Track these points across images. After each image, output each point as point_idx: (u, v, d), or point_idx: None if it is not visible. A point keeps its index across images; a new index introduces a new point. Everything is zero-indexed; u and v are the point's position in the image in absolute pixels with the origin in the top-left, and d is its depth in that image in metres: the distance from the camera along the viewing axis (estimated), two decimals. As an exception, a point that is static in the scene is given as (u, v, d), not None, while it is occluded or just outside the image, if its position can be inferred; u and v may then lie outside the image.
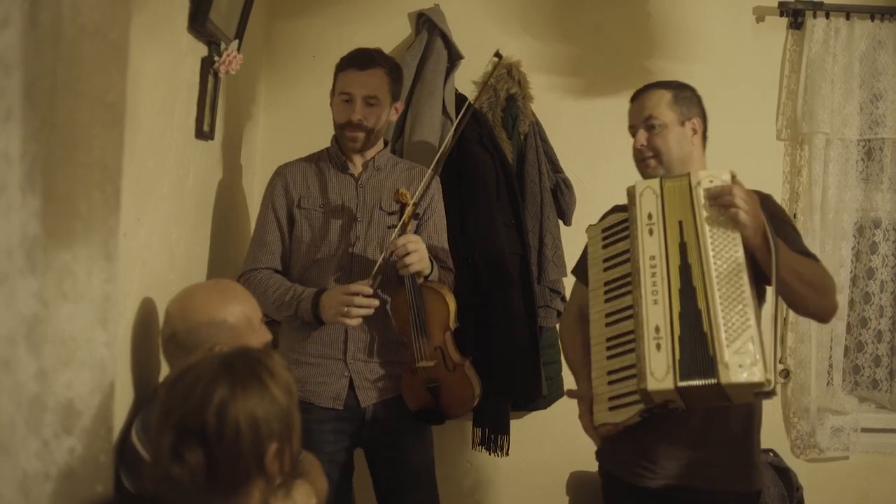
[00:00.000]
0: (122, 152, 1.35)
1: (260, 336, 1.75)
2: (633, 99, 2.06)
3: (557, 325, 2.97)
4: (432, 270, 2.17)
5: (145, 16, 1.64)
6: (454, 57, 2.87)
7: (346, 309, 2.03)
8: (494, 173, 2.79)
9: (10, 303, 1.00)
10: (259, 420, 1.26)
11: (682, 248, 1.79)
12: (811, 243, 2.95)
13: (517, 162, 2.88)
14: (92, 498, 1.28)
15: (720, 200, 1.76)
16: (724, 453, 1.90)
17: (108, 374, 1.34)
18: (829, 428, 3.02)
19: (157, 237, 1.84)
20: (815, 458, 3.08)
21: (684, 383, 1.69)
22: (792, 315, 3.00)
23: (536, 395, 2.85)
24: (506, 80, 2.90)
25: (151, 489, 1.30)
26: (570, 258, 2.88)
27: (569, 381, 2.99)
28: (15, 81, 0.97)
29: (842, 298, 3.02)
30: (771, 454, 2.86)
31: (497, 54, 2.40)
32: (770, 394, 1.69)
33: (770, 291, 1.79)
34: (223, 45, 2.19)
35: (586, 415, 1.94)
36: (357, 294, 2.04)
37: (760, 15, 3.06)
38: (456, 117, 2.84)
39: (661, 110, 1.98)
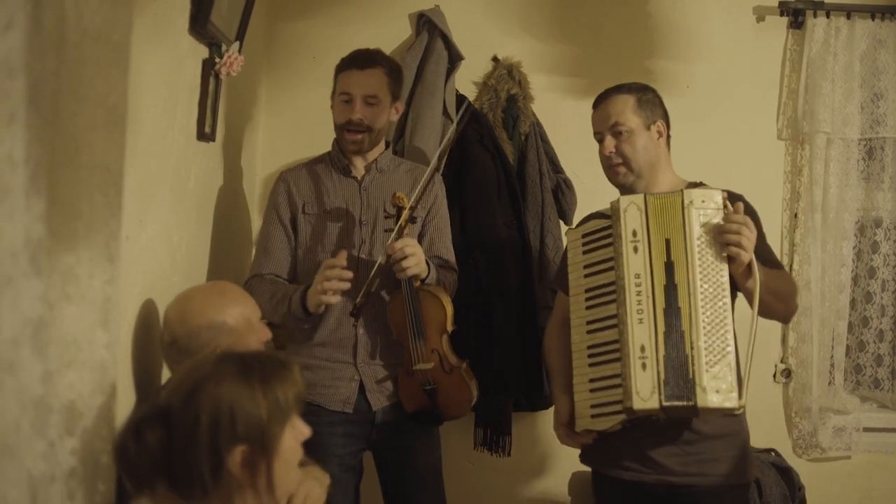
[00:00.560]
0: (124, 154, 1.35)
1: (260, 335, 1.75)
2: (596, 105, 2.07)
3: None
4: (429, 273, 2.17)
5: (146, 18, 1.64)
6: (454, 58, 2.87)
7: (321, 286, 2.02)
8: (495, 174, 2.79)
9: (15, 305, 1.00)
10: (221, 415, 1.21)
11: (669, 267, 1.80)
12: (812, 243, 2.96)
13: (518, 162, 2.88)
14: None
15: (726, 237, 1.77)
16: (718, 447, 1.91)
17: (109, 375, 1.35)
18: (830, 427, 3.02)
19: (158, 239, 1.84)
20: (817, 458, 3.08)
21: (668, 403, 1.74)
22: (794, 315, 3.00)
23: (538, 395, 2.85)
24: (506, 80, 2.90)
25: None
26: (572, 258, 2.89)
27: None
28: (19, 85, 0.97)
29: (843, 298, 3.02)
30: (773, 454, 2.86)
31: (495, 58, 2.41)
32: (740, 413, 1.80)
33: (743, 304, 1.84)
34: (224, 47, 2.20)
35: (560, 427, 2.02)
36: (332, 268, 2.02)
37: (761, 14, 3.06)
38: (456, 117, 2.84)
39: (627, 116, 1.98)
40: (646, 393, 1.74)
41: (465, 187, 2.78)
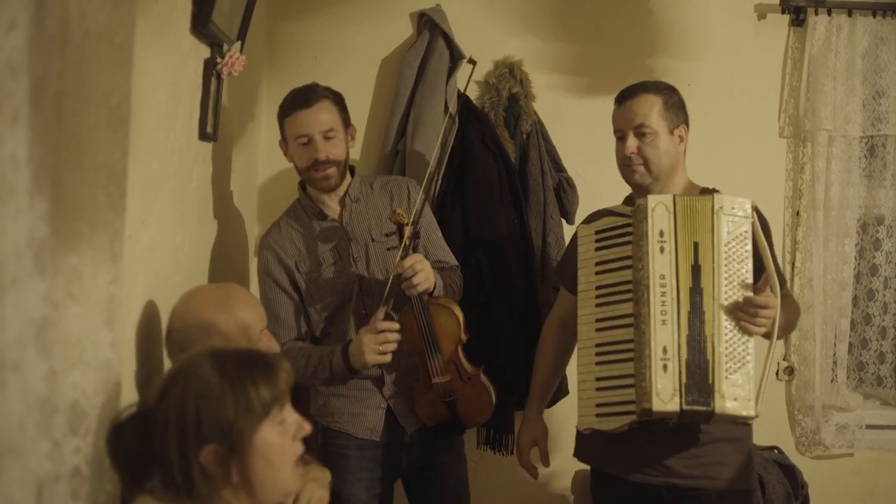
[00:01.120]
0: (127, 154, 1.35)
1: (259, 346, 1.69)
2: (620, 101, 2.04)
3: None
4: (436, 285, 2.15)
5: (149, 18, 1.64)
6: (456, 57, 2.87)
7: (381, 346, 2.02)
8: (497, 173, 2.79)
9: (20, 305, 1.00)
10: (188, 415, 1.21)
11: (695, 270, 1.78)
12: (814, 240, 2.96)
13: (520, 161, 2.88)
14: None
15: (750, 311, 1.75)
16: (725, 450, 1.90)
17: (113, 375, 1.35)
18: (833, 425, 3.02)
19: (161, 239, 1.84)
20: (820, 456, 3.08)
21: (689, 407, 1.73)
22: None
23: (541, 393, 2.85)
24: (508, 79, 2.90)
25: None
26: (574, 257, 2.89)
27: (572, 379, 2.99)
28: (22, 85, 0.97)
29: (845, 295, 3.02)
30: (776, 451, 2.86)
31: (471, 60, 2.35)
32: (749, 424, 1.80)
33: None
34: (225, 47, 2.20)
35: (523, 452, 2.13)
36: (383, 331, 2.02)
37: (762, 12, 3.05)
38: (458, 118, 2.84)
39: (653, 118, 1.97)
40: (666, 395, 1.73)
41: (467, 187, 2.78)
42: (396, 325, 2.04)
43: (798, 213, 3.04)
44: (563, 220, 2.93)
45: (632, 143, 1.98)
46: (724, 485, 1.89)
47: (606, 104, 3.02)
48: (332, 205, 2.23)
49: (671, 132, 1.99)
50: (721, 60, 3.03)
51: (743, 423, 1.80)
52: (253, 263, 2.58)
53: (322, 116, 2.13)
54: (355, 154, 2.91)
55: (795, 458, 2.94)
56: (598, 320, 1.89)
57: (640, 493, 1.93)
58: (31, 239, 1.02)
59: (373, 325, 2.04)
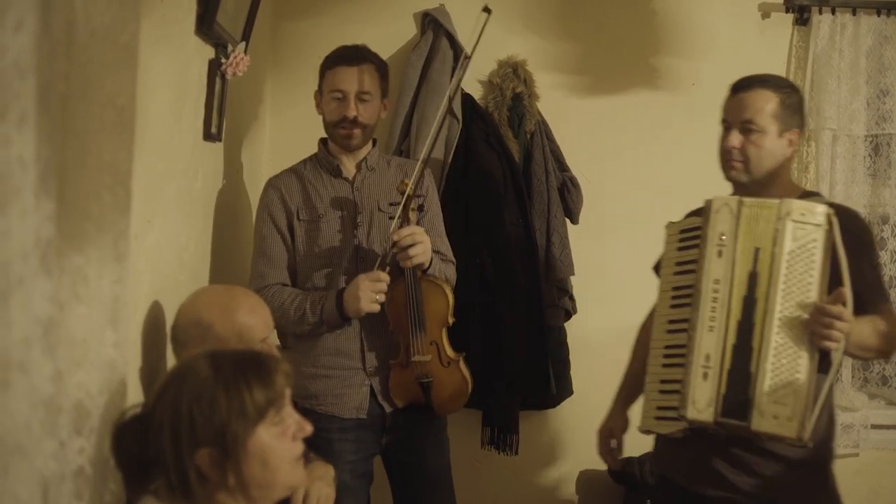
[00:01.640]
0: (133, 155, 1.36)
1: None
2: (736, 90, 1.90)
3: (565, 324, 2.98)
4: (431, 263, 2.14)
5: (154, 19, 1.64)
6: (459, 56, 2.87)
7: (375, 295, 2.03)
8: (501, 172, 2.79)
9: (26, 305, 1.01)
10: (181, 419, 1.20)
11: (752, 277, 1.70)
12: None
13: (524, 161, 2.88)
14: None
15: (823, 321, 1.62)
16: (799, 473, 1.79)
17: (117, 374, 1.35)
18: (838, 425, 3.01)
19: (166, 239, 1.85)
20: (825, 455, 3.07)
21: (723, 420, 1.67)
22: None
23: (545, 393, 2.85)
24: (511, 78, 2.91)
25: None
26: (578, 257, 2.89)
27: (576, 379, 2.99)
28: (29, 86, 0.98)
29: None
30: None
31: (486, 9, 2.23)
32: (805, 445, 1.65)
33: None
34: (230, 47, 2.20)
35: (602, 443, 2.01)
36: (379, 280, 2.04)
37: (766, 11, 3.05)
38: (462, 118, 2.84)
39: (764, 117, 1.82)
40: (702, 404, 1.68)
41: (471, 186, 2.78)
42: (388, 279, 2.04)
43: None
44: (567, 220, 2.92)
45: (735, 137, 1.85)
46: None
47: (610, 103, 3.05)
48: (349, 166, 2.24)
49: (780, 134, 1.83)
50: (725, 59, 3.02)
51: (798, 446, 1.67)
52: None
53: (363, 77, 2.15)
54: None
55: (800, 458, 2.93)
56: (669, 321, 1.82)
57: None
58: (38, 239, 1.03)
59: (372, 274, 2.05)
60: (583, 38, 3.03)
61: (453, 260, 2.31)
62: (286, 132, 2.98)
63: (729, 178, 1.91)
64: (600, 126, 3.04)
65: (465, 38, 2.87)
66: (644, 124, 3.04)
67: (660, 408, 1.79)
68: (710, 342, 1.70)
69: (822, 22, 2.96)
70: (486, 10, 2.23)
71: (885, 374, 3.10)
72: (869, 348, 1.73)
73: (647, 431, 1.86)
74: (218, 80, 2.15)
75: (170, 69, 1.82)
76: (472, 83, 2.98)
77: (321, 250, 2.18)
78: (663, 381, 1.79)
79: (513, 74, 2.90)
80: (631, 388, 2.09)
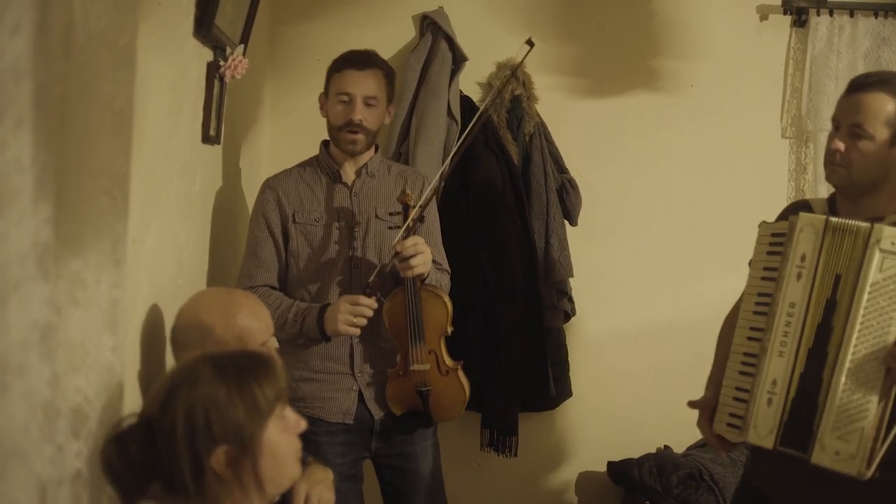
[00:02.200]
0: (130, 158, 1.36)
1: None
2: (851, 90, 1.77)
3: (564, 326, 2.98)
4: (430, 274, 2.14)
5: (152, 22, 1.64)
6: (459, 59, 2.87)
7: (355, 319, 2.02)
8: (500, 174, 2.79)
9: (24, 309, 1.01)
10: (197, 420, 1.21)
11: (830, 306, 1.61)
12: (818, 241, 2.94)
13: (522, 163, 2.88)
14: None
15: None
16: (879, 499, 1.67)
17: (114, 378, 1.35)
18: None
19: (164, 242, 1.84)
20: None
21: (782, 448, 1.63)
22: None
23: (544, 395, 2.85)
24: (510, 81, 2.91)
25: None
26: (577, 259, 2.89)
27: (576, 381, 2.99)
28: (26, 89, 0.98)
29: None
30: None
31: (529, 42, 2.19)
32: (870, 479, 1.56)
33: None
34: (228, 50, 2.20)
35: (703, 422, 1.83)
36: (359, 304, 2.03)
37: (764, 13, 3.06)
38: (461, 120, 2.84)
39: (876, 123, 1.69)
40: (763, 430, 1.64)
41: (470, 188, 2.78)
42: (374, 304, 2.04)
43: (801, 214, 3.04)
44: (566, 222, 2.93)
45: (841, 140, 1.73)
46: None
47: (609, 105, 3.05)
48: (349, 171, 2.23)
49: (892, 143, 1.68)
50: (723, 61, 3.03)
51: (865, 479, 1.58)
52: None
53: (370, 82, 2.15)
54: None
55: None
56: (751, 328, 1.74)
57: None
58: (35, 243, 1.03)
59: (353, 297, 2.04)
60: (581, 40, 3.04)
61: (448, 269, 2.31)
62: (285, 135, 2.99)
63: (827, 179, 1.81)
64: (599, 128, 3.04)
65: (463, 41, 2.88)
66: (643, 126, 3.04)
67: (731, 415, 1.74)
68: (779, 368, 1.64)
69: (820, 24, 2.97)
70: (530, 42, 2.20)
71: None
72: None
73: (719, 437, 1.80)
74: (216, 83, 2.15)
75: (168, 72, 1.82)
76: (471, 85, 2.98)
77: (315, 255, 2.17)
78: (738, 389, 1.74)
79: (511, 76, 2.90)
80: (719, 376, 1.95)
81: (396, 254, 2.03)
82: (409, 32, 2.99)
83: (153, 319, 1.76)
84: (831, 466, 1.58)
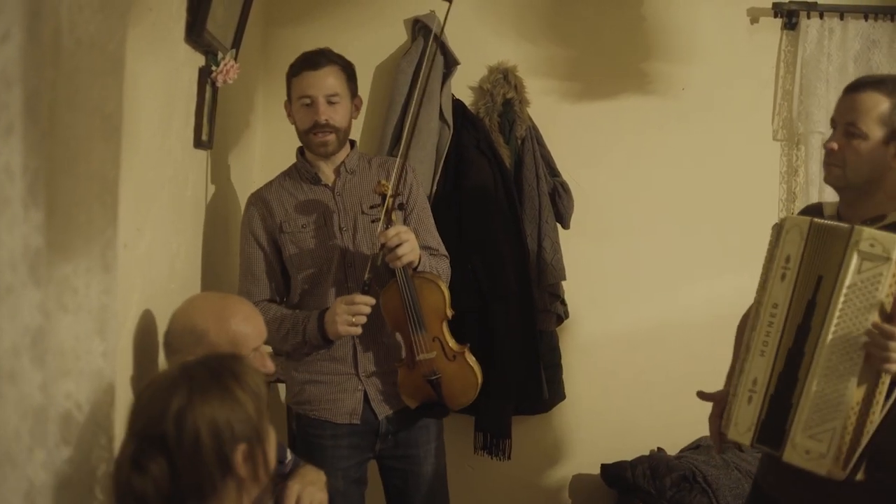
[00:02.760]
0: (120, 163, 1.35)
1: (254, 364, 1.66)
2: (848, 91, 1.78)
3: (557, 329, 2.98)
4: (421, 260, 2.13)
5: (142, 27, 1.64)
6: (450, 63, 2.88)
7: (354, 318, 2.03)
8: (492, 178, 2.80)
9: (15, 315, 1.01)
10: (220, 425, 1.23)
11: (810, 306, 1.62)
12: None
13: (515, 166, 2.89)
14: None
15: (869, 349, 1.53)
16: (867, 500, 1.68)
17: (104, 384, 1.35)
18: None
19: (157, 247, 1.84)
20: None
21: (759, 445, 1.67)
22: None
23: (537, 398, 2.85)
24: (502, 84, 2.92)
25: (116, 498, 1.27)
26: (569, 262, 2.90)
27: (569, 384, 3.00)
28: (16, 96, 0.98)
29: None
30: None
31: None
32: (847, 480, 1.57)
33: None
34: (220, 55, 2.20)
35: (714, 418, 1.85)
36: (356, 303, 2.04)
37: (754, 16, 3.07)
38: (453, 124, 2.85)
39: (869, 122, 1.70)
40: (743, 427, 1.67)
41: (463, 192, 2.79)
42: (371, 300, 2.04)
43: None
44: (559, 225, 2.93)
45: (836, 139, 1.76)
46: None
47: (601, 108, 3.06)
48: (327, 172, 2.23)
49: (887, 143, 1.69)
50: (714, 64, 3.05)
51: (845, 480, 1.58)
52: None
53: (328, 80, 2.14)
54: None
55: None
56: (751, 328, 1.76)
57: None
58: (26, 249, 1.03)
59: (349, 297, 2.05)
60: (573, 44, 3.05)
61: (446, 254, 2.29)
62: (277, 139, 2.98)
63: (825, 179, 1.83)
64: (591, 131, 3.05)
65: (455, 45, 2.88)
66: (634, 129, 3.05)
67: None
68: (760, 366, 1.67)
69: (811, 26, 2.99)
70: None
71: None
72: None
73: (721, 434, 1.82)
74: (208, 88, 2.15)
75: (159, 77, 1.82)
76: (463, 89, 2.99)
77: (308, 260, 2.17)
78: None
79: (503, 80, 2.92)
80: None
81: (383, 245, 2.02)
82: (400, 36, 3.00)
83: (146, 324, 1.76)
84: (802, 465, 1.60)
